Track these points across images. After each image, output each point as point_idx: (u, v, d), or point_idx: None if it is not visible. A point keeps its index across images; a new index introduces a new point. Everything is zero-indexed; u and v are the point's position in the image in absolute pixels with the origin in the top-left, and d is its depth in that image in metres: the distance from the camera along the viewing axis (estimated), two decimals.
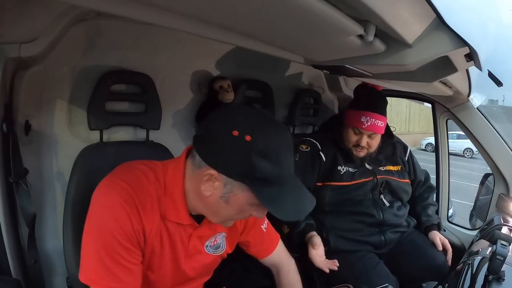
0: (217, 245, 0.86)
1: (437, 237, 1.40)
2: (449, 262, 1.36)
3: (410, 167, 1.54)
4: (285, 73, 1.85)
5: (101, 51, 1.20)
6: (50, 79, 1.12)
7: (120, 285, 0.68)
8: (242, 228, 0.92)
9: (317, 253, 1.25)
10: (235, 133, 0.63)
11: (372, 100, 1.37)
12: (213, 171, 0.66)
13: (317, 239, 1.27)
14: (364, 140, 1.35)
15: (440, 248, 1.38)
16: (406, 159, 1.53)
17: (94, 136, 1.22)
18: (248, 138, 0.63)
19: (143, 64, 1.29)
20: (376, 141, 1.39)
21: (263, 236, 0.97)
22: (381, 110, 1.36)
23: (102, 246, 0.67)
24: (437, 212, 1.80)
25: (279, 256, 1.01)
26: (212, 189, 0.69)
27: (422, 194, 1.57)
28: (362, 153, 1.38)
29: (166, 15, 0.55)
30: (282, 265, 1.01)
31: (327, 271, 1.23)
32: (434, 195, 1.61)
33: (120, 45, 1.23)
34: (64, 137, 1.20)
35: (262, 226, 0.96)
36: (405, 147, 1.56)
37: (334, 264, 1.23)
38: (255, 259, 1.07)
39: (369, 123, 1.32)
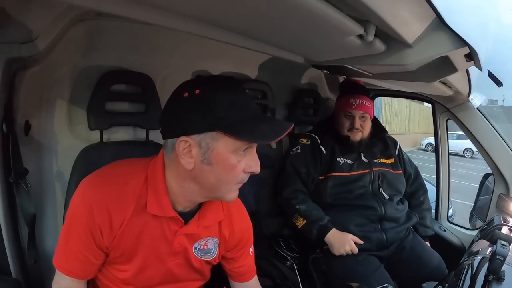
0: (207, 250, 0.83)
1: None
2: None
3: (401, 160, 1.61)
4: (285, 73, 1.85)
5: (101, 51, 1.20)
6: (50, 79, 1.12)
7: (68, 267, 0.75)
8: (234, 243, 0.89)
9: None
10: (185, 94, 0.67)
11: (356, 87, 1.50)
12: (183, 138, 0.67)
13: (351, 237, 1.33)
14: (357, 122, 1.45)
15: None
16: (397, 153, 1.61)
17: (94, 136, 1.22)
18: (197, 91, 0.66)
19: (143, 64, 1.28)
20: (368, 124, 1.48)
21: (248, 259, 0.94)
22: (366, 93, 1.49)
23: (67, 231, 0.74)
24: (437, 212, 1.81)
25: (257, 285, 0.97)
26: (192, 159, 0.68)
27: (416, 194, 1.60)
28: (358, 136, 1.46)
29: (166, 15, 0.55)
30: None
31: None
32: (428, 196, 1.64)
33: (120, 45, 1.22)
34: (64, 137, 1.20)
35: (250, 249, 0.93)
36: (394, 142, 1.65)
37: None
38: (255, 259, 1.07)
39: (357, 103, 1.44)
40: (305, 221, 1.36)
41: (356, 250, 1.31)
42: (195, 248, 0.82)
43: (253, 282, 0.95)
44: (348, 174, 1.43)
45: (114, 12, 0.52)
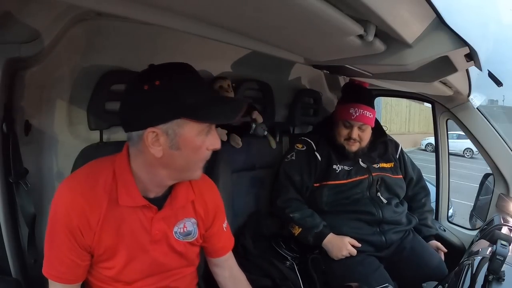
0: (188, 232, 0.87)
1: (435, 244, 1.50)
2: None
3: (402, 164, 1.57)
4: (285, 73, 1.85)
5: (101, 51, 1.20)
6: (50, 79, 1.12)
7: (56, 273, 0.77)
8: (210, 222, 0.93)
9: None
10: (146, 87, 0.69)
11: (359, 94, 1.42)
12: (151, 129, 0.70)
13: (348, 241, 1.31)
14: (355, 132, 1.38)
15: (445, 250, 1.45)
16: (398, 156, 1.57)
17: (94, 136, 1.22)
18: (157, 82, 0.69)
19: (143, 64, 1.27)
20: (367, 134, 1.42)
21: (222, 234, 0.98)
22: (368, 102, 1.40)
23: (49, 239, 0.77)
24: (437, 212, 1.81)
25: (232, 261, 1.01)
26: (161, 147, 0.72)
27: (417, 197, 1.59)
28: (354, 147, 1.40)
29: (166, 15, 0.55)
30: (234, 266, 1.01)
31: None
32: (429, 198, 1.63)
33: (120, 45, 1.22)
34: (64, 137, 1.20)
35: (223, 224, 0.98)
36: (396, 145, 1.60)
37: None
38: (254, 259, 1.07)
39: (357, 114, 1.36)
40: (300, 229, 1.35)
41: (354, 252, 1.29)
42: (176, 232, 0.85)
43: (229, 256, 1.01)
44: (345, 181, 1.40)
45: (114, 12, 0.52)
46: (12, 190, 0.95)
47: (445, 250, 1.48)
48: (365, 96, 1.42)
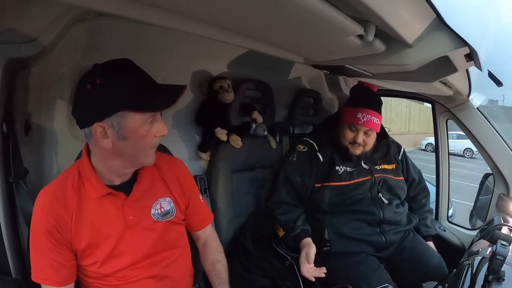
0: (166, 212, 0.91)
1: (433, 246, 1.50)
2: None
3: (404, 165, 1.57)
4: (285, 73, 1.85)
5: (101, 51, 1.20)
6: (50, 79, 1.12)
7: (44, 276, 0.81)
8: (187, 195, 0.98)
9: (308, 268, 1.21)
10: (89, 86, 0.75)
11: (368, 98, 1.40)
12: (97, 124, 0.76)
13: (312, 251, 1.22)
14: (361, 137, 1.37)
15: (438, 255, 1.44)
16: (400, 158, 1.57)
17: None
18: (98, 81, 0.74)
19: (143, 64, 1.28)
20: (372, 139, 1.41)
21: (200, 207, 1.04)
22: (377, 108, 1.39)
23: (32, 243, 0.82)
24: (437, 212, 1.81)
25: (211, 233, 1.09)
26: (109, 139, 0.77)
27: (418, 197, 1.59)
28: (358, 151, 1.40)
29: (166, 15, 0.55)
30: (211, 242, 1.08)
31: (313, 279, 1.20)
32: (429, 198, 1.63)
33: (120, 45, 1.22)
34: (64, 137, 1.20)
35: (199, 197, 1.04)
36: (398, 147, 1.60)
37: (321, 272, 1.20)
38: (254, 259, 1.08)
39: (365, 119, 1.35)
40: (284, 232, 1.35)
41: (305, 269, 1.21)
42: (154, 214, 0.89)
43: (210, 227, 1.09)
44: (347, 183, 1.39)
45: (114, 12, 0.52)
46: (12, 190, 0.94)
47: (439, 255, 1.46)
48: (374, 102, 1.40)
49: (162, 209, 0.90)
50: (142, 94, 0.77)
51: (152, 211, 0.89)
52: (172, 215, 0.92)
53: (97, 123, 0.76)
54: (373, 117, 1.36)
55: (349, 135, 1.39)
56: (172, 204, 0.93)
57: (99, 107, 0.76)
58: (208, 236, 1.08)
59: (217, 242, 1.09)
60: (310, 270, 1.21)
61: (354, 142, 1.38)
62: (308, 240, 1.29)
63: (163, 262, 0.91)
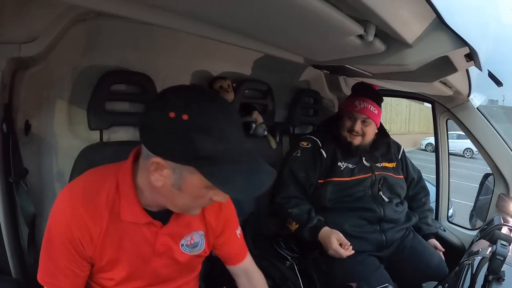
0: (194, 244, 0.83)
1: (434, 243, 1.50)
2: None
3: (403, 165, 1.59)
4: (285, 73, 1.85)
5: (101, 51, 1.20)
6: (50, 79, 1.12)
7: (53, 281, 0.73)
8: (220, 231, 0.88)
9: (347, 252, 1.26)
10: (172, 114, 0.60)
11: (366, 90, 1.44)
12: (158, 159, 0.63)
13: (341, 235, 1.28)
14: (358, 125, 1.40)
15: (443, 249, 1.46)
16: (400, 157, 1.59)
17: (94, 136, 1.22)
18: (185, 117, 0.60)
19: (143, 64, 1.29)
20: (371, 129, 1.43)
21: (237, 241, 0.93)
22: (375, 99, 1.42)
23: (47, 247, 0.72)
24: (437, 212, 1.81)
25: (251, 265, 0.97)
26: (163, 178, 0.66)
27: (417, 196, 1.60)
28: (356, 140, 1.42)
29: (166, 15, 0.55)
30: (253, 273, 0.97)
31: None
32: (429, 198, 1.64)
33: (120, 45, 1.22)
34: (64, 137, 1.20)
35: (236, 231, 0.93)
36: (398, 146, 1.62)
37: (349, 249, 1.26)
38: (254, 259, 1.07)
39: (362, 106, 1.39)
40: (297, 225, 1.35)
41: (342, 254, 1.25)
42: (182, 245, 0.82)
43: (247, 261, 0.96)
44: (348, 179, 1.41)
45: (114, 12, 0.52)
46: (12, 190, 0.95)
47: (443, 249, 1.48)
48: (372, 93, 1.44)
49: (192, 240, 0.83)
50: (226, 162, 0.63)
51: (182, 241, 0.81)
52: (199, 250, 0.85)
53: (158, 157, 0.63)
54: (370, 106, 1.39)
55: (347, 123, 1.42)
56: (202, 237, 0.85)
57: (172, 146, 0.62)
58: (249, 269, 0.96)
59: (259, 273, 0.97)
60: (347, 251, 1.25)
61: (351, 130, 1.41)
62: (327, 228, 1.31)
63: (176, 283, 0.88)
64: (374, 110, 1.41)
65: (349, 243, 1.27)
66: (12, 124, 0.96)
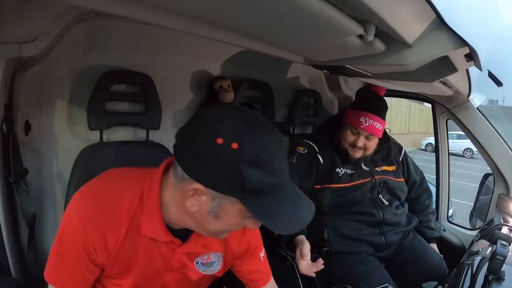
0: (210, 264, 0.80)
1: (436, 249, 1.49)
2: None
3: (404, 167, 1.56)
4: (285, 73, 1.85)
5: (101, 51, 1.20)
6: (50, 79, 1.12)
7: (61, 281, 0.71)
8: (241, 253, 0.85)
9: (305, 263, 1.18)
10: (220, 140, 0.56)
11: (373, 103, 1.38)
12: (198, 185, 0.60)
13: (306, 248, 1.18)
14: (361, 141, 1.35)
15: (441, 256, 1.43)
16: (401, 159, 1.56)
17: (94, 136, 1.22)
18: (234, 145, 0.56)
19: (143, 64, 1.29)
20: (373, 144, 1.39)
21: (260, 264, 0.89)
22: (381, 113, 1.37)
23: (58, 246, 0.69)
24: (437, 212, 1.81)
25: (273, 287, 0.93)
26: (199, 203, 0.62)
27: (420, 199, 1.58)
28: (358, 154, 1.38)
29: (166, 15, 0.55)
30: None
31: (313, 275, 1.17)
32: (432, 200, 1.63)
33: (120, 45, 1.23)
34: (64, 137, 1.20)
35: (260, 254, 0.89)
36: (400, 148, 1.58)
37: (319, 265, 1.17)
38: None
39: (367, 124, 1.33)
40: None
41: (300, 265, 1.18)
42: (197, 263, 0.79)
43: (270, 285, 0.92)
44: (347, 185, 1.38)
45: (114, 12, 0.52)
46: (12, 190, 0.95)
47: (441, 256, 1.46)
48: (379, 107, 1.38)
49: (208, 260, 0.79)
50: (269, 196, 0.60)
51: (198, 259, 0.78)
52: (214, 270, 0.82)
53: (198, 184, 0.60)
54: (375, 122, 1.34)
55: (350, 137, 1.37)
56: (220, 259, 0.81)
57: (216, 176, 0.58)
58: None
59: None
60: (308, 266, 1.20)
61: (354, 145, 1.37)
62: (301, 237, 1.25)
63: None
64: (379, 126, 1.35)
65: (308, 257, 1.17)
66: (12, 124, 0.96)
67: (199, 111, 0.66)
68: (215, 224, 0.66)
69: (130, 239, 0.69)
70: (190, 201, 0.63)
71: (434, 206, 1.79)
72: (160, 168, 0.69)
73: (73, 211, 0.68)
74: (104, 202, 0.68)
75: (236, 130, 0.57)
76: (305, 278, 1.25)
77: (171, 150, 1.35)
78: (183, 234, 0.73)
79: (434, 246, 1.51)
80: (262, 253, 0.89)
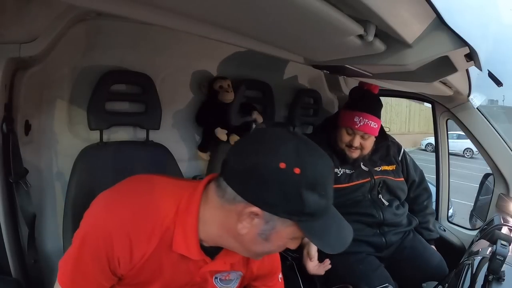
0: (228, 281, 0.79)
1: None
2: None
3: (404, 166, 1.56)
4: (285, 73, 1.85)
5: (101, 51, 1.20)
6: (50, 79, 1.12)
7: (73, 286, 0.67)
8: (260, 275, 0.85)
9: (313, 264, 1.20)
10: (282, 165, 0.57)
11: (366, 101, 1.38)
12: (255, 209, 0.59)
13: (314, 249, 1.19)
14: (357, 141, 1.35)
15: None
16: (400, 158, 1.55)
17: (94, 136, 1.22)
18: (297, 170, 0.57)
19: (143, 64, 1.29)
20: (369, 142, 1.39)
21: (277, 286, 0.90)
22: (375, 111, 1.36)
23: (77, 253, 0.65)
24: (437, 212, 1.81)
25: None
26: (250, 226, 0.62)
27: (419, 199, 1.58)
28: (355, 154, 1.38)
29: (166, 15, 0.55)
30: None
31: (322, 273, 1.20)
32: (431, 200, 1.62)
33: (120, 45, 1.23)
34: (64, 137, 1.20)
35: (279, 276, 0.89)
36: (399, 147, 1.58)
37: (326, 265, 1.20)
38: None
39: (361, 123, 1.33)
40: None
41: (308, 266, 1.21)
42: (216, 278, 0.77)
43: None
44: (346, 185, 1.37)
45: (114, 12, 0.52)
46: (12, 190, 0.94)
47: (441, 256, 1.46)
48: (372, 106, 1.38)
49: (228, 277, 0.78)
50: (321, 218, 0.63)
51: (218, 275, 0.77)
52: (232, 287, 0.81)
53: (256, 207, 0.59)
54: (370, 121, 1.34)
55: (346, 138, 1.37)
56: (238, 278, 0.81)
57: (276, 200, 0.58)
58: None
59: None
60: (316, 266, 1.20)
61: (350, 145, 1.36)
62: (306, 239, 1.28)
63: None
64: (374, 125, 1.35)
65: (316, 257, 1.20)
66: (12, 124, 0.96)
67: (253, 132, 0.67)
68: (262, 246, 0.65)
69: (158, 253, 0.66)
70: (241, 224, 0.62)
71: (434, 206, 1.79)
72: (202, 185, 0.68)
73: (100, 217, 0.64)
74: (136, 213, 0.64)
75: (298, 155, 0.58)
76: (305, 278, 1.26)
77: (171, 150, 1.36)
78: (212, 251, 0.71)
79: (432, 247, 1.50)
80: (280, 275, 0.90)
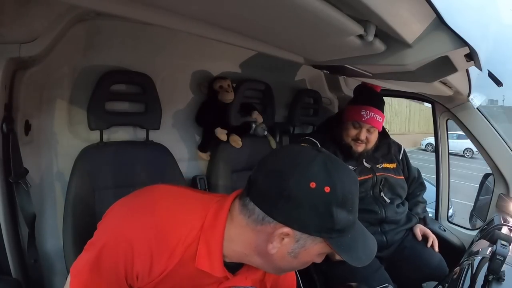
0: None
1: (417, 229, 1.46)
2: (436, 249, 1.41)
3: (404, 165, 1.59)
4: (285, 73, 1.85)
5: (101, 51, 1.20)
6: (50, 79, 1.12)
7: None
8: (278, 286, 0.84)
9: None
10: (313, 185, 0.57)
11: (371, 97, 1.44)
12: (286, 229, 0.59)
13: None
14: (364, 134, 1.40)
15: (419, 238, 1.44)
16: (400, 157, 1.59)
17: (94, 136, 1.22)
18: (327, 189, 0.58)
19: (143, 64, 1.29)
20: (374, 136, 1.44)
21: None
22: (379, 106, 1.43)
23: (94, 264, 0.62)
24: (437, 212, 1.81)
25: None
26: (280, 245, 0.62)
27: (414, 192, 1.61)
28: (360, 148, 1.42)
29: (166, 15, 0.55)
30: None
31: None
32: (425, 192, 1.63)
33: (120, 45, 1.23)
34: (64, 137, 1.20)
35: None
36: (399, 147, 1.62)
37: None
38: None
39: (368, 116, 1.39)
40: None
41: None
42: None
43: None
44: None
45: (114, 12, 0.52)
46: (12, 190, 0.94)
47: (420, 238, 1.44)
48: (377, 100, 1.44)
49: None
50: (349, 232, 0.63)
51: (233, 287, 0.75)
52: None
53: (287, 227, 0.59)
54: (376, 115, 1.40)
55: (353, 132, 1.42)
56: None
57: (307, 218, 0.59)
58: None
59: None
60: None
61: (357, 139, 1.41)
62: None
63: None
64: (379, 118, 1.41)
65: None
66: (12, 124, 0.96)
67: (278, 151, 0.68)
68: (290, 263, 0.65)
69: (178, 269, 0.65)
70: (272, 244, 0.61)
71: (434, 206, 1.80)
72: (228, 202, 0.67)
73: (122, 228, 0.62)
74: (162, 229, 0.62)
75: (326, 173, 0.59)
76: (305, 278, 1.26)
77: (171, 150, 1.36)
78: (233, 266, 0.71)
79: (416, 227, 1.47)
80: None
